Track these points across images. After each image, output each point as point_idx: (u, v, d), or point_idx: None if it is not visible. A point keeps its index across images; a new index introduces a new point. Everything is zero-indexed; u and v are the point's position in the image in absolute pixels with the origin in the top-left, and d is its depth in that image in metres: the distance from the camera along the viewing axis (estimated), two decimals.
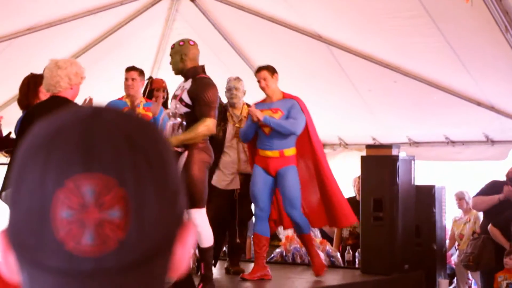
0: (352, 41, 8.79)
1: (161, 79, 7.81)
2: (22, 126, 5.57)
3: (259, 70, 7.24)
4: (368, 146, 8.43)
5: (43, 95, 6.16)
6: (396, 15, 7.85)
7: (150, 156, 0.81)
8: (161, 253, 0.81)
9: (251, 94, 8.38)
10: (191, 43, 6.27)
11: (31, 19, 8.33)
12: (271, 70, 7.22)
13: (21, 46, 8.46)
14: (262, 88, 7.21)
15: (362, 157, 8.05)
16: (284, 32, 8.95)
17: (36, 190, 0.78)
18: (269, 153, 7.06)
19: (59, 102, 5.24)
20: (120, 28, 9.37)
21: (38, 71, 6.02)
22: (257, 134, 7.15)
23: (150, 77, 7.85)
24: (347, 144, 10.98)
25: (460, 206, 9.31)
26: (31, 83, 6.38)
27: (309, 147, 7.38)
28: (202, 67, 6.26)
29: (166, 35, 9.75)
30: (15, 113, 6.55)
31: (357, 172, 8.48)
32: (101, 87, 8.87)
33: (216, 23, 9.46)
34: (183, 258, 0.84)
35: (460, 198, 9.32)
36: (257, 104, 7.20)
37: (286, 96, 7.29)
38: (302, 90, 10.04)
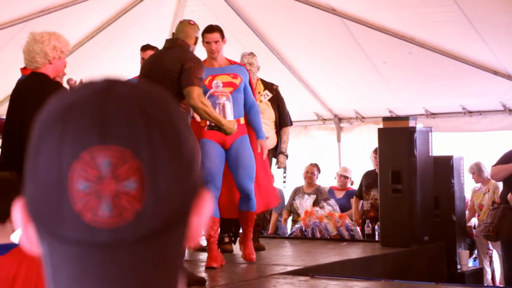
0: (366, 14, 8.76)
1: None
2: (10, 103, 5.47)
3: (211, 30, 6.51)
4: (385, 119, 8.40)
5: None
6: None
7: (164, 127, 0.82)
8: (177, 223, 0.82)
9: (265, 69, 8.37)
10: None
11: (44, 1, 8.35)
12: (223, 33, 6.56)
13: (34, 29, 8.45)
14: (211, 52, 6.48)
15: (379, 129, 8.03)
16: (298, 7, 8.92)
17: (53, 162, 0.80)
18: None
19: (37, 79, 5.08)
20: (133, 7, 9.37)
21: None
22: None
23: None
24: (363, 118, 10.96)
25: (476, 179, 9.23)
26: None
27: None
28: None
29: (180, 13, 9.74)
30: None
31: (375, 145, 8.47)
32: (116, 67, 8.90)
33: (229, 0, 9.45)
34: (199, 228, 0.85)
35: (473, 172, 9.19)
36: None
37: (233, 62, 6.66)
38: (317, 64, 10.04)
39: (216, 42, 6.45)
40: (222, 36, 6.50)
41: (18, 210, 0.84)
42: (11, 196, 3.46)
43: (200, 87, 5.67)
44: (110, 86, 0.83)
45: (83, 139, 0.79)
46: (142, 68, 6.00)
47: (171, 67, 5.64)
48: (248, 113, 6.56)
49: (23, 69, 6.20)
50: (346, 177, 9.95)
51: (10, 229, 3.41)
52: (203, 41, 6.45)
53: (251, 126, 6.58)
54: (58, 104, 0.83)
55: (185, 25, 6.01)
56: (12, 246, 3.30)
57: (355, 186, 9.76)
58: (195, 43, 5.98)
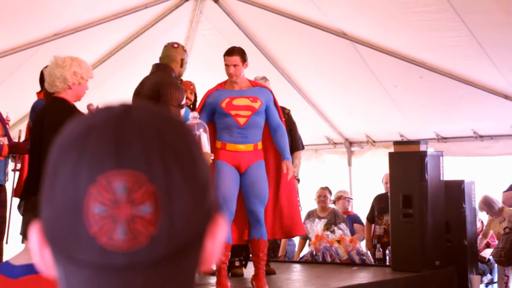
0: (376, 38, 8.78)
1: (190, 82, 7.80)
2: (32, 128, 5.53)
3: (231, 53, 6.33)
4: (396, 143, 8.40)
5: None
6: (420, 10, 7.83)
7: (179, 152, 0.83)
8: (192, 247, 0.83)
9: (277, 93, 8.39)
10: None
11: (57, 25, 8.41)
12: (244, 56, 6.39)
13: (48, 52, 8.52)
14: (230, 75, 6.33)
15: (390, 153, 8.02)
16: (309, 31, 8.95)
17: (70, 186, 0.81)
18: (242, 147, 6.25)
19: (57, 105, 5.15)
20: (145, 31, 9.44)
21: None
22: (215, 124, 6.33)
23: (180, 80, 7.84)
24: (374, 142, 10.95)
25: (490, 215, 9.07)
26: None
27: (271, 143, 6.53)
28: None
29: (191, 37, 9.79)
30: None
31: (386, 169, 8.46)
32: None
33: (240, 23, 9.48)
34: (213, 252, 0.86)
35: (484, 210, 9.04)
36: (222, 90, 6.38)
37: (255, 84, 6.56)
38: (328, 88, 10.06)
39: (235, 65, 6.28)
40: (243, 60, 6.34)
41: (34, 233, 0.85)
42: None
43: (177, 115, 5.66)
44: (126, 111, 0.84)
45: (100, 163, 0.80)
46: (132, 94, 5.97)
47: (150, 92, 5.62)
48: (274, 134, 6.43)
49: (38, 93, 6.24)
50: (349, 199, 9.93)
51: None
52: (224, 63, 6.38)
53: (277, 147, 6.43)
54: (75, 128, 0.84)
55: (168, 49, 5.99)
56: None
57: (355, 210, 9.76)
58: (182, 65, 5.94)
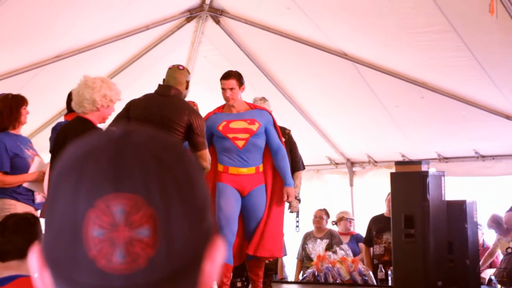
0: (377, 58, 8.80)
1: (193, 101, 7.80)
2: (53, 148, 5.53)
3: (227, 77, 6.36)
4: (397, 163, 8.38)
5: (24, 117, 6.13)
6: (421, 31, 7.85)
7: (178, 175, 0.84)
8: (190, 269, 0.83)
9: (277, 114, 8.40)
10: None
11: (60, 47, 8.44)
12: (241, 79, 6.41)
13: (50, 73, 8.58)
14: (227, 98, 6.35)
15: (391, 174, 8.00)
16: (310, 51, 8.97)
17: (69, 209, 0.81)
18: (244, 170, 6.28)
19: (81, 125, 5.08)
20: (147, 53, 9.47)
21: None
22: (215, 148, 6.36)
23: None
24: (376, 162, 10.95)
25: (499, 233, 9.05)
26: (13, 105, 6.15)
27: (270, 166, 6.56)
28: None
29: (193, 58, 9.82)
30: (47, 139, 6.61)
31: (387, 189, 8.45)
32: None
33: (242, 44, 9.51)
34: (212, 274, 0.86)
35: (493, 228, 9.02)
36: (219, 114, 6.41)
37: (253, 107, 6.58)
38: (329, 108, 10.07)
39: (231, 89, 6.30)
40: (240, 83, 6.36)
41: (34, 255, 0.86)
42: (28, 233, 3.54)
43: (206, 145, 5.75)
44: (125, 135, 0.85)
45: (98, 187, 0.81)
46: (133, 111, 5.81)
47: (176, 119, 5.61)
48: (275, 157, 6.45)
49: (66, 116, 6.24)
50: (350, 220, 9.91)
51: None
52: (220, 86, 6.40)
53: (278, 171, 6.45)
54: (74, 152, 0.85)
55: (174, 71, 5.96)
56: (17, 277, 3.35)
57: (357, 231, 9.72)
58: (187, 87, 5.96)
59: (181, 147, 0.88)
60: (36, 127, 9.65)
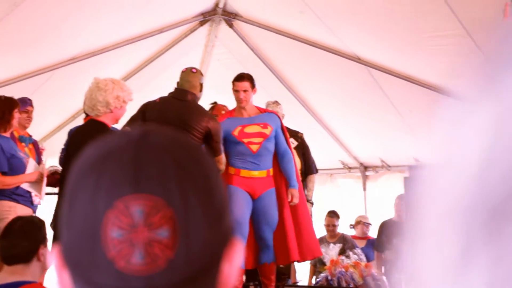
0: (391, 62, 8.78)
1: (223, 105, 7.77)
2: (67, 152, 5.51)
3: (240, 79, 6.39)
4: (411, 168, 8.35)
5: (16, 120, 6.10)
6: (435, 35, 7.83)
7: (196, 176, 0.83)
8: (209, 271, 0.83)
9: (290, 117, 8.41)
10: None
11: (72, 50, 8.46)
12: (253, 82, 6.43)
13: (62, 77, 8.60)
14: (239, 100, 6.37)
15: (405, 178, 7.98)
16: (323, 55, 8.96)
17: (88, 211, 0.81)
18: (255, 173, 6.29)
19: (95, 127, 5.06)
20: (160, 56, 9.48)
21: (79, 100, 5.91)
22: (227, 151, 6.30)
23: (214, 102, 7.78)
24: (389, 166, 10.92)
25: None
26: (5, 108, 6.09)
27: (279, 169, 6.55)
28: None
29: (206, 61, 9.83)
30: (59, 142, 6.63)
31: (400, 193, 8.42)
32: None
33: (255, 47, 9.52)
34: (230, 275, 0.85)
35: None
36: (232, 118, 6.39)
37: (263, 110, 6.59)
38: (342, 112, 10.06)
39: (244, 91, 6.31)
40: (252, 85, 6.37)
41: (54, 256, 0.85)
42: (34, 237, 3.55)
43: (222, 152, 5.91)
44: (144, 136, 0.84)
45: (117, 188, 0.80)
46: (149, 113, 5.83)
47: (193, 124, 5.65)
48: (281, 160, 6.46)
49: (85, 119, 6.21)
50: (367, 224, 9.88)
51: (36, 269, 3.45)
52: (232, 88, 6.41)
53: (284, 173, 6.46)
54: (93, 153, 0.84)
55: (187, 75, 5.97)
56: (23, 283, 3.35)
57: (370, 235, 9.69)
58: (200, 90, 5.97)
59: (200, 148, 0.88)
60: (49, 130, 9.69)
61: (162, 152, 0.83)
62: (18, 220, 3.78)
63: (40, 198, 6.13)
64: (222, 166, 5.79)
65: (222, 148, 5.84)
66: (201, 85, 5.96)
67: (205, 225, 0.82)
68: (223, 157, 5.86)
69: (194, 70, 6.01)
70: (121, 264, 0.79)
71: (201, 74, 6.06)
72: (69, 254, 0.83)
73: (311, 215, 7.59)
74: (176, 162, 0.83)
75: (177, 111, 5.71)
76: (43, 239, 3.59)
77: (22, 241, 3.51)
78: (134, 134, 0.85)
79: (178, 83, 6.01)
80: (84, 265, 0.81)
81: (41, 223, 3.71)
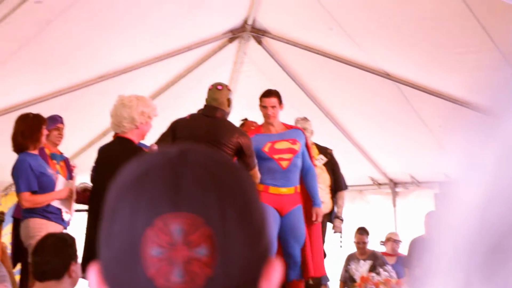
0: (420, 78, 8.74)
1: (253, 122, 7.78)
2: (96, 169, 5.53)
3: (268, 95, 6.45)
4: (441, 184, 8.29)
5: (44, 137, 6.11)
6: (464, 50, 7.79)
7: (235, 194, 0.84)
8: None
9: (319, 134, 8.39)
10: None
11: (102, 68, 8.53)
12: (280, 98, 6.48)
13: (93, 94, 8.66)
14: (267, 116, 6.43)
15: (435, 195, 7.94)
16: (352, 72, 8.95)
17: (127, 229, 0.81)
18: (284, 190, 6.28)
19: (122, 146, 5.09)
20: (189, 73, 9.52)
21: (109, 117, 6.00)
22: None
23: (245, 119, 7.81)
24: (419, 182, 10.85)
25: None
26: (34, 125, 6.10)
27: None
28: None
29: (235, 78, 9.86)
30: (90, 159, 6.67)
31: (430, 210, 8.35)
32: None
33: (283, 64, 9.53)
34: None
35: None
36: (261, 135, 6.40)
37: (289, 126, 6.61)
38: (371, 128, 10.02)
39: (273, 107, 6.36)
40: (280, 101, 6.42)
41: (93, 274, 0.86)
42: (65, 254, 3.57)
43: (256, 164, 5.90)
44: (182, 154, 0.85)
45: (157, 206, 0.81)
46: (180, 131, 5.87)
47: (224, 140, 5.67)
48: (305, 177, 6.48)
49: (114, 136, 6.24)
50: (397, 242, 9.81)
51: (67, 285, 3.48)
52: (260, 104, 6.44)
53: (308, 191, 6.49)
54: (132, 171, 0.85)
55: (214, 92, 5.98)
56: None
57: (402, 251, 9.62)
58: (229, 105, 5.97)
59: (238, 166, 0.88)
60: (79, 148, 9.75)
61: (201, 170, 0.83)
62: (50, 237, 3.81)
63: (70, 215, 6.16)
64: (257, 180, 5.81)
65: (255, 161, 5.84)
66: (229, 100, 5.97)
67: (244, 243, 0.82)
68: (257, 171, 5.88)
69: (219, 87, 6.02)
70: (160, 282, 0.80)
71: (228, 90, 6.05)
72: (109, 272, 0.83)
73: (341, 232, 7.57)
74: (214, 180, 0.83)
75: (207, 128, 5.74)
76: (74, 256, 3.62)
77: (54, 257, 3.54)
78: (172, 153, 0.85)
79: (206, 100, 6.03)
80: (123, 283, 0.81)
81: (72, 240, 3.74)
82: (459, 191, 0.64)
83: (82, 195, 6.30)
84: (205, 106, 5.99)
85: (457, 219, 0.63)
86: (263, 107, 6.41)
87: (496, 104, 0.62)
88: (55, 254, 3.57)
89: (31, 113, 6.23)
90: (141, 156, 0.86)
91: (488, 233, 0.58)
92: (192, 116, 5.98)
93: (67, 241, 3.69)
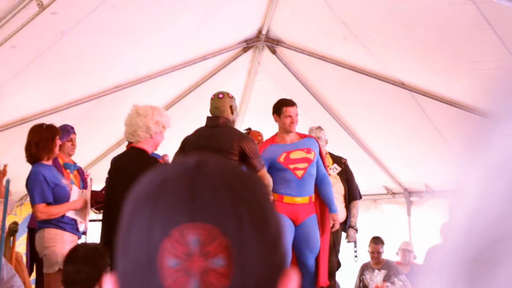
0: (435, 87, 8.72)
1: (258, 131, 7.80)
2: (109, 179, 5.53)
3: (292, 104, 6.48)
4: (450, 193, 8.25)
5: (57, 148, 6.11)
6: (479, 59, 7.76)
7: (251, 205, 0.84)
8: None
9: (333, 143, 8.38)
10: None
11: (117, 78, 8.55)
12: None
13: (108, 104, 8.69)
14: (291, 125, 6.43)
15: (449, 203, 7.89)
16: (366, 81, 8.94)
17: (144, 239, 0.82)
18: (299, 199, 6.27)
19: (137, 156, 5.08)
20: (203, 83, 9.54)
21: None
22: (272, 177, 6.21)
23: (249, 128, 7.84)
24: (434, 191, 10.81)
25: None
26: (48, 136, 6.11)
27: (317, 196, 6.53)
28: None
29: (249, 88, 9.87)
30: (105, 169, 6.68)
31: (446, 220, 8.32)
32: None
33: (298, 73, 9.53)
34: None
35: None
36: (276, 145, 6.42)
37: (302, 135, 6.61)
38: (385, 137, 10.01)
39: (297, 115, 6.41)
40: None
41: (109, 285, 0.86)
42: (97, 264, 3.57)
43: (263, 165, 5.78)
44: (199, 165, 0.85)
45: (173, 216, 0.81)
46: (188, 147, 5.91)
47: (226, 147, 5.64)
48: (320, 185, 6.47)
49: (128, 146, 6.25)
50: (410, 251, 9.78)
51: None
52: (281, 114, 6.42)
53: (323, 199, 6.48)
54: (149, 182, 0.85)
55: (215, 101, 5.98)
56: None
57: (418, 261, 9.57)
58: (232, 112, 5.95)
59: (253, 177, 0.89)
60: (94, 157, 9.79)
61: (217, 181, 0.84)
62: (83, 246, 3.82)
63: (85, 225, 6.17)
64: (268, 181, 5.73)
65: (261, 162, 5.76)
66: (231, 107, 5.94)
67: (261, 254, 0.83)
68: (265, 171, 5.79)
69: (220, 96, 6.02)
70: None
71: (230, 97, 6.01)
72: (125, 282, 0.84)
73: (355, 241, 7.55)
74: (230, 191, 0.83)
75: (208, 139, 5.77)
76: (106, 267, 3.61)
77: (86, 267, 3.55)
78: (188, 164, 0.86)
79: (210, 110, 6.05)
80: None
81: (105, 250, 3.73)
82: (452, 203, 0.65)
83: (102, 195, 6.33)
84: (207, 117, 6.00)
85: (447, 231, 0.66)
86: (287, 116, 6.41)
87: (498, 110, 0.63)
88: (87, 264, 3.57)
89: (44, 124, 6.24)
90: (157, 167, 0.86)
91: (471, 245, 0.60)
92: (197, 130, 6.00)
93: (100, 251, 3.70)
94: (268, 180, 5.80)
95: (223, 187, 0.83)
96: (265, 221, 0.85)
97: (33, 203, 5.93)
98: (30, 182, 5.94)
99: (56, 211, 5.93)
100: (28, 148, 6.06)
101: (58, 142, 6.16)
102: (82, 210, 6.06)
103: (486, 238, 0.58)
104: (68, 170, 6.52)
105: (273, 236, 0.85)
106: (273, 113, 6.51)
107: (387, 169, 10.73)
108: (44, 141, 6.05)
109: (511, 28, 7.30)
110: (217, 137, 5.75)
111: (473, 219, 0.61)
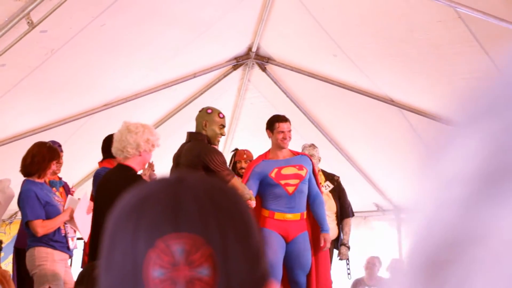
0: (424, 104, 8.75)
1: (243, 150, 7.80)
2: (96, 197, 5.50)
3: (286, 120, 6.45)
4: None
5: (50, 171, 6.13)
6: (468, 76, 7.80)
7: (234, 216, 0.84)
8: None
9: (326, 161, 8.39)
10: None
11: (106, 96, 8.55)
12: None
13: (98, 122, 8.68)
14: (284, 141, 6.39)
15: None
16: (356, 98, 8.96)
17: (129, 251, 0.82)
18: (290, 216, 6.24)
19: (123, 173, 5.04)
20: (194, 100, 9.54)
21: None
22: (261, 194, 6.30)
23: (236, 149, 7.87)
24: None
25: None
26: (47, 156, 6.15)
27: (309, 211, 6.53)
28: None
29: (239, 105, 9.88)
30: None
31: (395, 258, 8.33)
32: None
33: (288, 91, 9.55)
34: None
35: None
36: (268, 161, 6.37)
37: (295, 153, 6.58)
38: (376, 155, 10.02)
39: (289, 131, 6.37)
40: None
41: None
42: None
43: (233, 175, 5.72)
44: (181, 179, 0.86)
45: (158, 227, 0.81)
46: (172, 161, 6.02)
47: (191, 165, 5.61)
48: (312, 203, 6.44)
49: (101, 162, 6.28)
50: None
51: None
52: (274, 130, 6.40)
53: (315, 217, 6.44)
54: (133, 196, 0.86)
55: (196, 117, 6.03)
56: None
57: None
58: (205, 126, 5.89)
59: (234, 190, 0.89)
60: (84, 176, 9.75)
61: (199, 192, 0.84)
62: (96, 267, 3.78)
63: (80, 233, 6.18)
64: (242, 189, 5.63)
65: (229, 173, 5.69)
66: (205, 121, 5.90)
67: (244, 264, 0.83)
68: (236, 180, 5.68)
69: (200, 111, 6.08)
70: None
71: (207, 113, 5.96)
72: None
73: (348, 259, 7.53)
74: (213, 202, 0.84)
75: (180, 155, 5.81)
76: None
77: None
78: (170, 179, 0.86)
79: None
80: None
81: None
82: (409, 213, 0.67)
83: None
84: (187, 133, 6.02)
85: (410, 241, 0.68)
86: (280, 132, 6.37)
87: (458, 119, 0.64)
88: None
89: (49, 143, 6.29)
90: (141, 183, 0.87)
91: (428, 251, 0.62)
92: (179, 147, 6.00)
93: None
94: (242, 187, 5.71)
95: (205, 198, 0.84)
96: (248, 231, 0.85)
97: (27, 220, 5.92)
98: (22, 201, 5.94)
99: (52, 224, 5.97)
100: (25, 159, 6.10)
101: (53, 166, 6.16)
102: (72, 220, 6.08)
103: (440, 243, 0.59)
104: (54, 188, 6.51)
105: (256, 247, 0.85)
106: (266, 128, 6.49)
107: (377, 186, 10.74)
108: (41, 157, 6.07)
109: (499, 45, 7.33)
110: (185, 153, 5.76)
111: (429, 227, 0.62)
